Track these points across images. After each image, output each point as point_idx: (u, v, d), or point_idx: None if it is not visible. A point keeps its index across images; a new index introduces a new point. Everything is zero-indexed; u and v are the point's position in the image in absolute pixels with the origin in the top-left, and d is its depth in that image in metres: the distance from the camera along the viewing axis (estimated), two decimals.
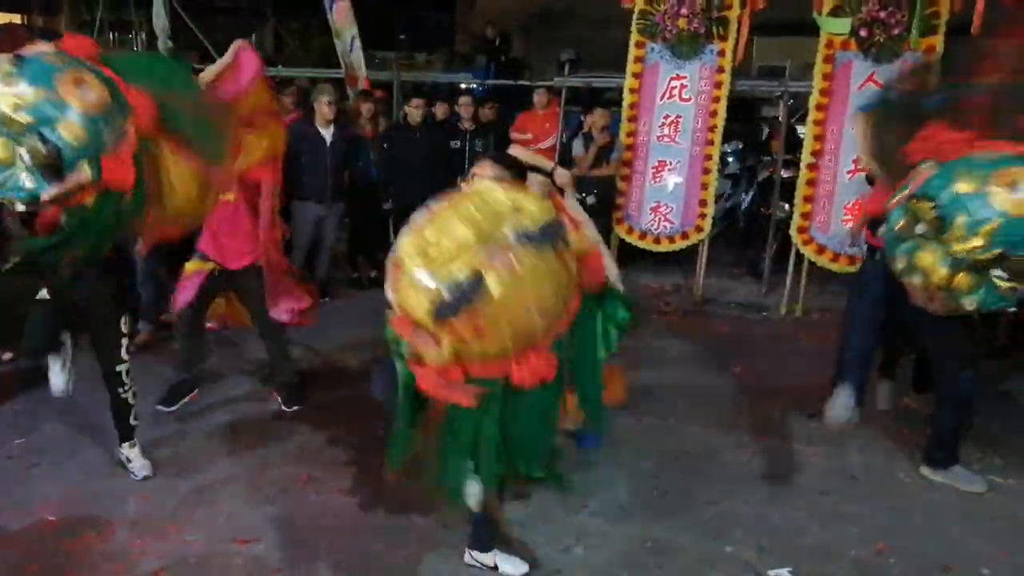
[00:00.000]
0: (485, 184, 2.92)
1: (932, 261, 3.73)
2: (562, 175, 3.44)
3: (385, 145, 7.60)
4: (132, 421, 4.33)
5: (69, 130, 3.21)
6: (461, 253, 2.63)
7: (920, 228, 3.75)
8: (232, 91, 4.38)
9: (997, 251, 3.55)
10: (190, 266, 4.93)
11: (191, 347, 5.14)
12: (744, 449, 4.82)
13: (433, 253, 2.67)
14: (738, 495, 4.32)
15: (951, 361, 4.39)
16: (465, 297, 2.62)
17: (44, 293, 3.97)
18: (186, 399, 5.10)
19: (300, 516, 4.03)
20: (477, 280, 2.61)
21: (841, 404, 4.68)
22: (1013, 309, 4.01)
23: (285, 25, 16.34)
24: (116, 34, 20.14)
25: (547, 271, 2.71)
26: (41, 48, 3.39)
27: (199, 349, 5.23)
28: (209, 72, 4.48)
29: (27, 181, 3.23)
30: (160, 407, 4.97)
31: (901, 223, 3.86)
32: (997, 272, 3.62)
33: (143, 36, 13.62)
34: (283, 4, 20.00)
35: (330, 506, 4.12)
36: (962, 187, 3.59)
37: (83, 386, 4.39)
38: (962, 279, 3.69)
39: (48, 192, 3.26)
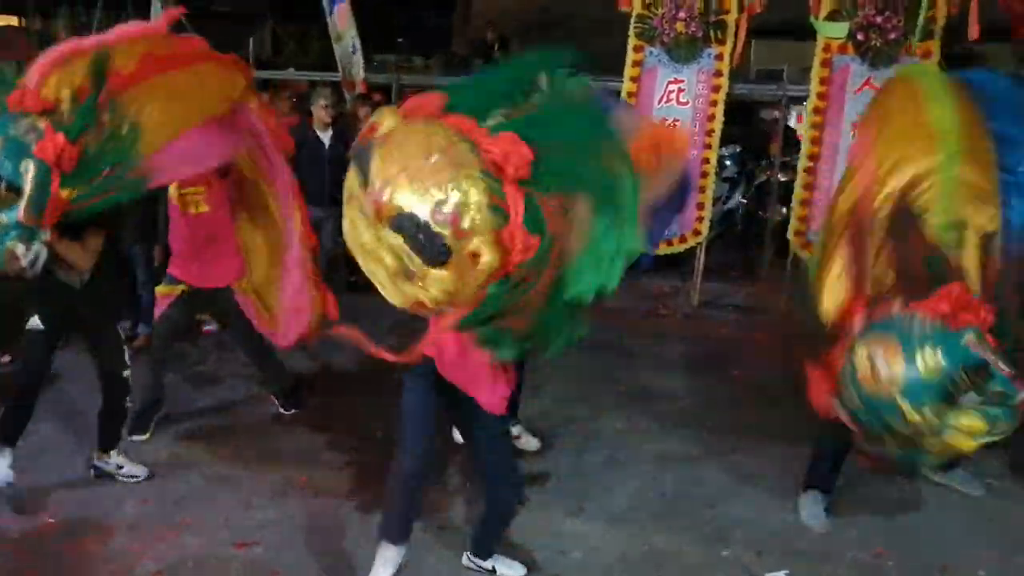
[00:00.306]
0: None
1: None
2: None
3: None
4: (122, 429, 4.31)
5: None
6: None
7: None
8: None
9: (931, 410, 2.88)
10: (160, 289, 4.77)
11: (156, 374, 4.86)
12: (742, 452, 4.82)
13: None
14: (736, 498, 4.33)
15: None
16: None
17: (36, 322, 3.96)
18: (156, 419, 4.83)
19: (299, 519, 4.03)
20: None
21: (814, 510, 4.17)
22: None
23: (283, 28, 16.35)
24: None
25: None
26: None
27: (161, 377, 4.93)
28: None
29: (2, 220, 3.26)
30: (133, 437, 4.63)
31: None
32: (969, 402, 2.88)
33: None
34: (281, 7, 20.04)
35: (327, 509, 4.12)
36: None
37: (80, 387, 4.39)
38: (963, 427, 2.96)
39: (20, 209, 3.26)
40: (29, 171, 3.23)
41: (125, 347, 4.22)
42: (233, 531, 3.90)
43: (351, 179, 2.69)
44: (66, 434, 4.71)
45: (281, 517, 4.03)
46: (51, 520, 3.92)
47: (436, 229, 2.50)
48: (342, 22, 8.97)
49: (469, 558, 3.68)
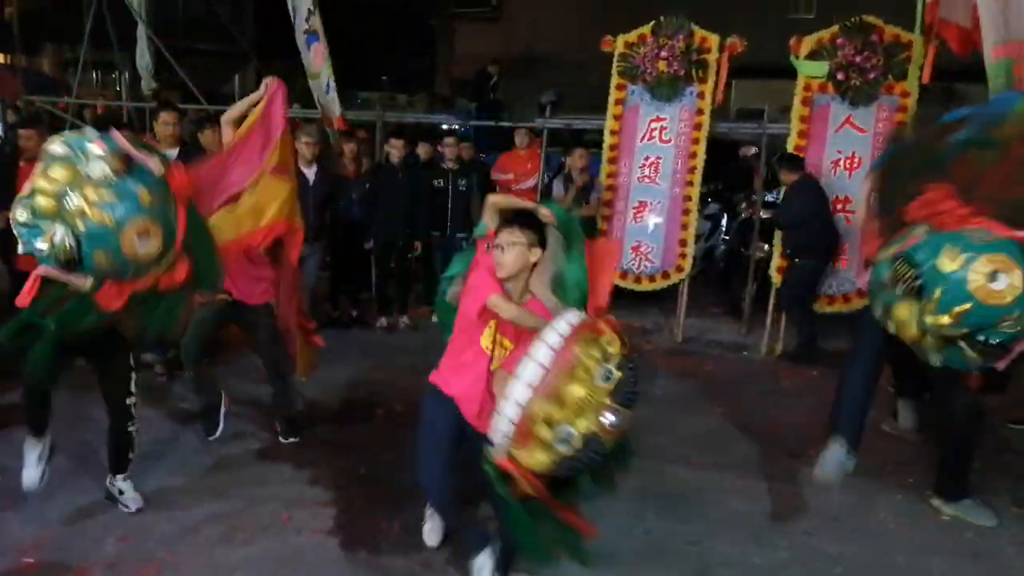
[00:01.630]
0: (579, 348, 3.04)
1: (906, 318, 3.86)
2: (546, 214, 3.47)
3: (368, 184, 7.63)
4: (130, 455, 4.32)
5: (102, 258, 3.41)
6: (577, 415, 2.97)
7: (899, 289, 3.87)
8: (262, 140, 4.73)
9: (964, 330, 3.69)
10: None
11: (203, 374, 5.13)
12: (726, 489, 4.81)
13: (557, 416, 2.96)
14: (721, 535, 4.31)
15: (955, 391, 4.38)
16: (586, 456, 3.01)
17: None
18: (223, 414, 5.08)
19: (281, 556, 3.97)
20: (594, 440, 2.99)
21: (833, 459, 4.42)
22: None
23: (267, 66, 16.43)
24: (99, 73, 20.23)
25: None
26: (150, 164, 3.54)
27: (212, 372, 5.25)
28: (236, 109, 4.89)
29: (40, 243, 3.39)
30: (209, 438, 5.03)
31: (885, 278, 3.98)
32: (963, 344, 3.77)
33: (127, 76, 13.66)
34: (265, 46, 20.18)
35: (311, 546, 4.07)
36: (945, 264, 3.69)
37: (59, 425, 4.33)
38: (931, 341, 3.83)
39: (42, 266, 3.46)
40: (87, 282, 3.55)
41: (133, 374, 4.22)
42: (214, 569, 3.84)
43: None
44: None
45: (263, 554, 3.97)
46: (30, 560, 3.85)
47: None
48: (318, 61, 9.04)
49: None
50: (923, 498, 4.70)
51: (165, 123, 6.27)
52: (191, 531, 4.14)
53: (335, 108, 9.03)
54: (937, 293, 3.68)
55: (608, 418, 2.99)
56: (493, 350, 3.52)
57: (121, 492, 4.31)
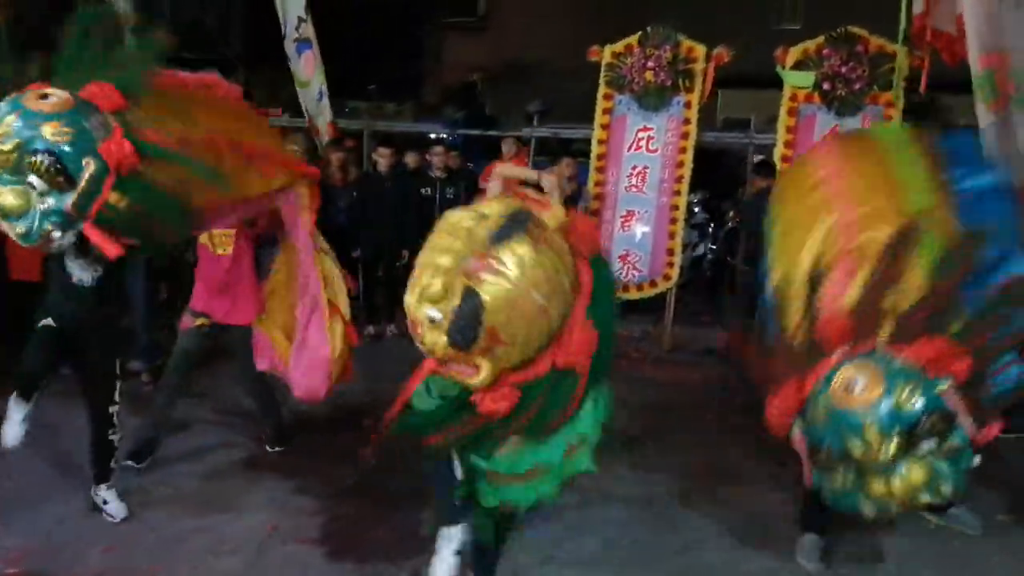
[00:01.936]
0: (446, 213, 2.87)
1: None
2: (548, 181, 3.46)
3: (355, 193, 7.62)
4: (113, 464, 4.30)
5: (53, 131, 3.25)
6: (448, 279, 2.61)
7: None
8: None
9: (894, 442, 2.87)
10: (184, 321, 4.94)
11: (170, 404, 5.04)
12: (714, 497, 4.82)
13: (430, 291, 2.64)
14: (708, 543, 4.31)
15: None
16: (467, 317, 2.61)
17: (48, 321, 3.96)
18: (153, 455, 4.92)
19: (267, 567, 3.96)
20: (470, 296, 2.60)
21: (812, 548, 4.25)
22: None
23: (254, 75, 16.42)
24: None
25: (534, 258, 2.66)
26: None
27: (173, 407, 5.12)
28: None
29: (47, 203, 3.29)
30: (129, 462, 4.75)
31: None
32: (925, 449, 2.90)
33: None
34: (252, 54, 20.14)
35: (296, 556, 4.05)
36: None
37: (44, 433, 4.30)
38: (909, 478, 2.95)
39: (69, 200, 3.30)
40: (89, 167, 3.30)
41: (118, 383, 4.20)
42: None
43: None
44: (27, 484, 4.60)
45: (249, 565, 3.95)
46: (13, 572, 3.81)
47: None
48: (308, 69, 9.00)
49: None
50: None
51: None
52: (177, 542, 4.11)
53: (327, 115, 9.00)
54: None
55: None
56: None
57: (105, 502, 4.28)
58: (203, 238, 4.81)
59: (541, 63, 23.64)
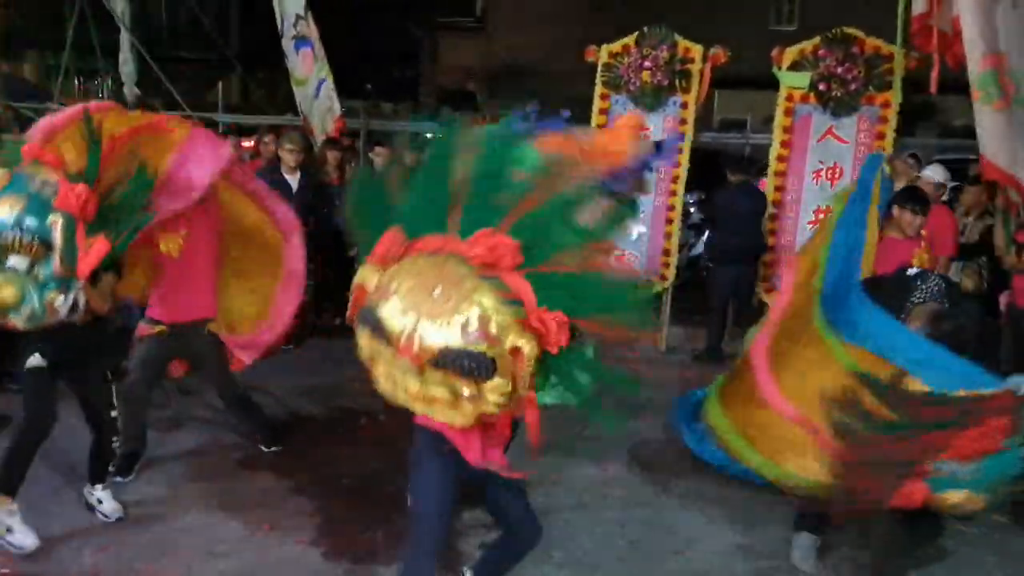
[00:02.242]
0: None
1: None
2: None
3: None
4: (110, 467, 4.38)
5: (6, 208, 3.42)
6: None
7: None
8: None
9: None
10: (140, 329, 4.76)
11: (137, 417, 4.82)
12: (709, 498, 4.81)
13: None
14: (704, 545, 4.31)
15: None
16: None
17: (37, 359, 3.92)
18: (139, 464, 4.80)
19: (261, 567, 3.94)
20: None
21: (807, 546, 4.28)
22: None
23: (251, 75, 16.42)
24: (82, 80, 20.11)
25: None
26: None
27: (144, 417, 4.91)
28: None
29: (38, 276, 3.42)
30: (117, 478, 4.61)
31: None
32: None
33: (109, 83, 13.60)
34: (249, 54, 20.12)
35: (291, 556, 4.04)
36: None
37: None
38: None
39: (55, 262, 3.44)
40: (57, 224, 3.40)
41: (113, 387, 4.31)
42: None
43: (366, 342, 2.78)
44: (24, 484, 4.57)
45: (244, 566, 3.94)
46: (5, 572, 3.80)
47: (475, 349, 2.57)
48: (306, 66, 8.98)
49: None
50: None
51: None
52: (170, 543, 4.10)
53: (335, 108, 8.90)
54: None
55: None
56: None
57: (100, 501, 4.28)
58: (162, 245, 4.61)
59: (537, 64, 23.69)
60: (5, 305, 3.39)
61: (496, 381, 2.63)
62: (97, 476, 4.29)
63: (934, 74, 6.57)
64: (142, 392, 4.79)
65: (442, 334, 2.58)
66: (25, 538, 3.91)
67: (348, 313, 3.07)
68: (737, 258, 7.39)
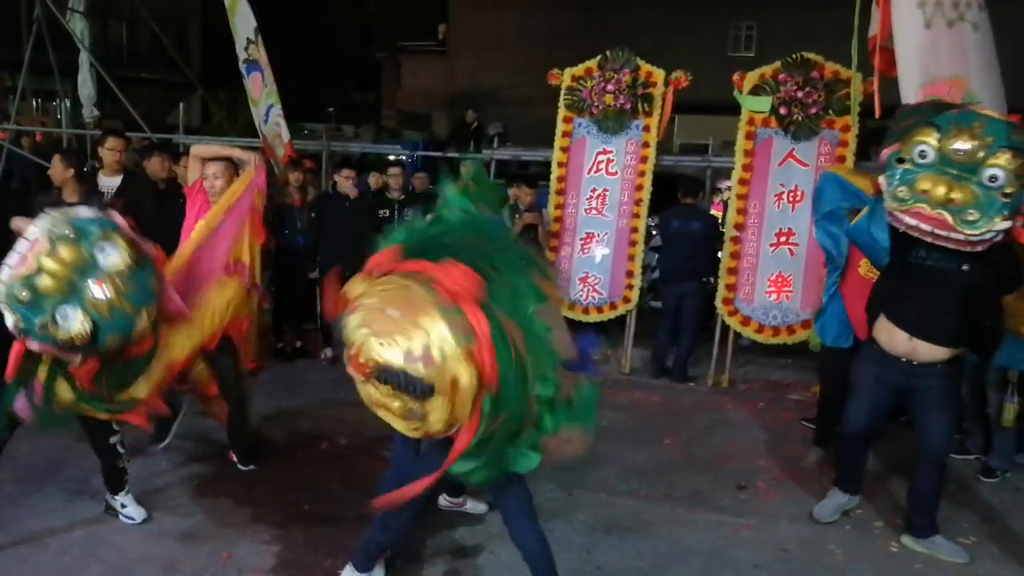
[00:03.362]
0: None
1: None
2: (528, 216, 3.52)
3: (314, 213, 7.53)
4: (125, 477, 4.47)
5: (114, 341, 3.56)
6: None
7: None
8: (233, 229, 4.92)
9: None
10: None
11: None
12: (676, 521, 4.78)
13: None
14: (671, 569, 4.27)
15: (945, 420, 4.42)
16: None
17: None
18: (176, 424, 5.14)
19: None
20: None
21: (834, 505, 4.82)
22: None
23: (213, 96, 16.28)
24: (40, 101, 19.81)
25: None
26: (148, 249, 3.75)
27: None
28: (210, 149, 5.09)
29: (40, 320, 3.43)
30: (154, 446, 5.09)
31: None
32: None
33: (67, 104, 13.39)
34: (211, 76, 19.98)
35: None
36: None
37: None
38: None
39: (35, 342, 3.50)
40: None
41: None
42: None
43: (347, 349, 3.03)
44: None
45: None
46: None
47: (413, 373, 2.82)
48: (256, 90, 8.94)
49: None
50: (872, 529, 4.73)
51: (112, 149, 6.25)
52: (124, 572, 3.98)
53: (284, 134, 8.89)
54: None
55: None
56: None
57: (124, 506, 4.43)
58: None
59: (498, 88, 23.82)
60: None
61: (435, 403, 2.87)
62: (112, 487, 4.45)
63: (876, 99, 6.69)
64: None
65: (384, 352, 2.84)
66: None
67: (324, 312, 3.50)
68: (682, 278, 7.56)
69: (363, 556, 3.87)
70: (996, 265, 4.04)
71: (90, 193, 6.07)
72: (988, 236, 3.83)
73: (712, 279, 7.91)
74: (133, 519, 4.40)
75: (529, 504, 3.71)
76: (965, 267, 4.07)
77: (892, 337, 4.36)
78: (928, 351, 4.26)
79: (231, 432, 5.21)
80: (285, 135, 8.87)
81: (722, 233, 7.65)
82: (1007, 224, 3.83)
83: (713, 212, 8.88)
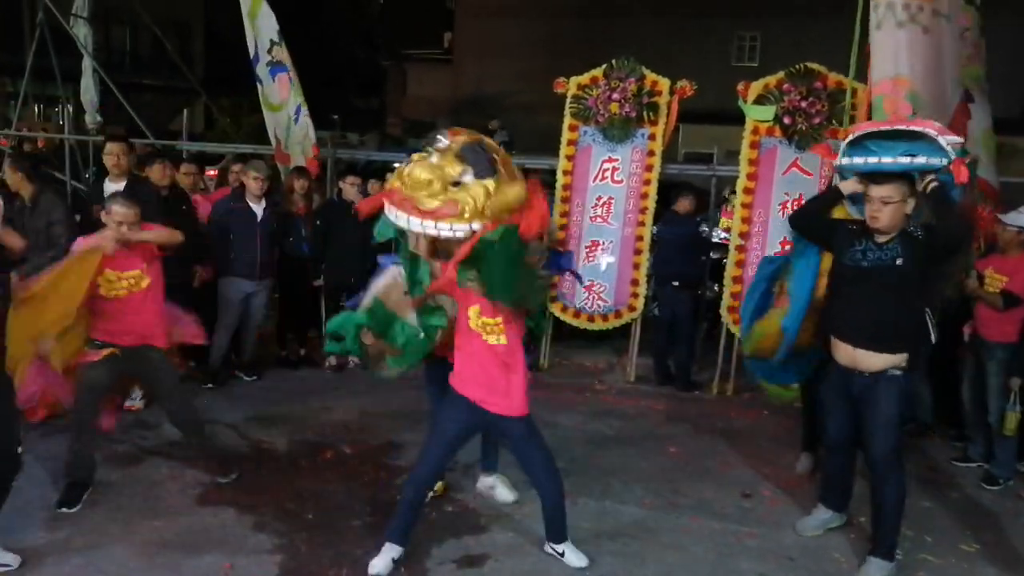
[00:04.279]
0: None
1: None
2: None
3: (319, 221, 7.52)
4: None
5: None
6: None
7: None
8: None
9: None
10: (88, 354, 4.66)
11: (87, 446, 4.75)
12: (681, 530, 4.76)
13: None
14: None
15: (882, 432, 4.29)
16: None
17: None
18: (86, 495, 4.70)
19: None
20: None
21: (817, 521, 4.80)
22: None
23: (216, 103, 16.31)
24: (42, 107, 19.85)
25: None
26: None
27: (94, 446, 4.85)
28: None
29: None
30: (63, 508, 4.57)
31: None
32: None
33: (70, 110, 13.41)
34: (214, 82, 20.03)
35: None
36: None
37: None
38: None
39: None
40: None
41: (18, 422, 4.04)
42: None
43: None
44: None
45: None
46: None
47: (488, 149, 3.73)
48: (283, 91, 8.90)
49: (550, 546, 4.32)
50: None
51: (109, 153, 6.27)
52: None
53: (311, 135, 8.85)
54: None
55: None
56: (482, 328, 3.93)
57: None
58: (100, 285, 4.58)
59: (502, 95, 23.86)
60: None
61: (478, 189, 3.62)
62: None
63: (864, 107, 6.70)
64: (89, 417, 4.70)
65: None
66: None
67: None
68: (676, 282, 7.59)
69: (399, 526, 4.16)
70: (937, 228, 4.07)
71: (42, 192, 6.20)
72: None
73: (715, 286, 7.91)
74: (8, 566, 3.99)
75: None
76: (899, 261, 4.11)
77: (838, 349, 4.37)
78: (867, 360, 4.23)
79: (195, 447, 5.17)
80: (312, 136, 8.84)
81: (709, 239, 7.76)
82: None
83: (724, 220, 8.87)
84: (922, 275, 4.15)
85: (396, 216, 3.74)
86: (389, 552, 4.10)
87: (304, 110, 8.71)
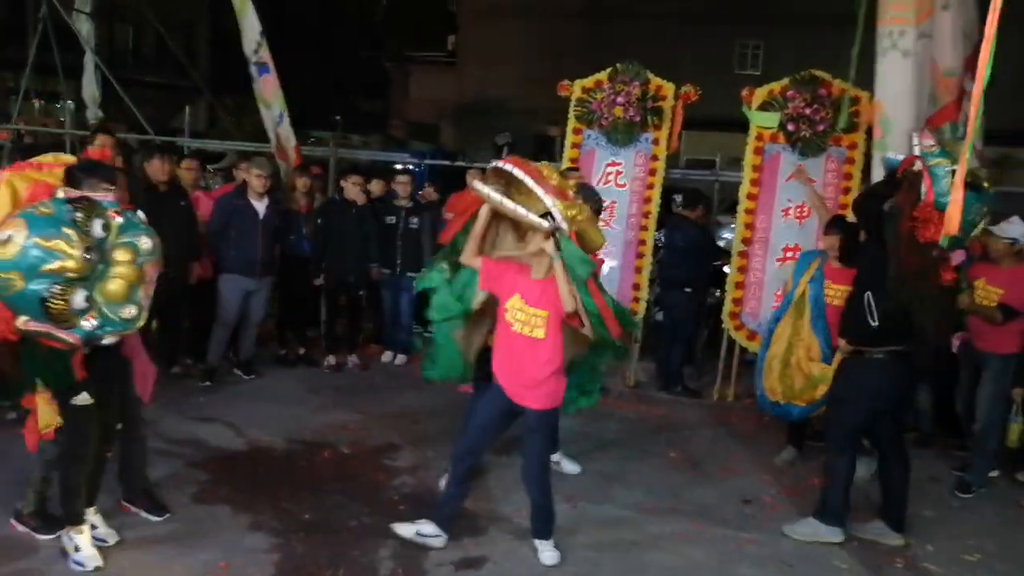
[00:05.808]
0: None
1: None
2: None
3: (320, 220, 7.49)
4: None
5: None
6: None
7: None
8: None
9: None
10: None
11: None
12: (681, 536, 4.73)
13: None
14: None
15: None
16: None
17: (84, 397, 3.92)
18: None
19: None
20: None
21: (808, 531, 4.76)
22: None
23: (219, 101, 16.28)
24: (44, 103, 19.82)
25: None
26: None
27: None
28: None
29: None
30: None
31: None
32: None
33: (71, 106, 13.37)
34: (218, 81, 20.02)
35: None
36: None
37: None
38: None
39: None
40: None
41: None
42: None
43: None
44: None
45: None
46: None
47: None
48: (268, 91, 8.91)
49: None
50: (877, 545, 4.69)
51: (100, 145, 6.21)
52: None
53: (291, 138, 8.86)
54: None
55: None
56: (517, 321, 4.15)
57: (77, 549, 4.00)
58: None
59: (502, 101, 23.86)
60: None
61: (583, 213, 4.14)
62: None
63: (875, 119, 6.70)
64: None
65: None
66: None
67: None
68: (679, 287, 7.60)
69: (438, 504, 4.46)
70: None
71: None
72: None
73: (717, 292, 7.89)
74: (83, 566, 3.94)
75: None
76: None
77: None
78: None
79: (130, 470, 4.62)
80: (292, 139, 8.85)
81: (712, 244, 7.75)
82: None
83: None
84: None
85: (523, 177, 4.07)
86: (420, 526, 4.34)
87: (286, 117, 8.74)
